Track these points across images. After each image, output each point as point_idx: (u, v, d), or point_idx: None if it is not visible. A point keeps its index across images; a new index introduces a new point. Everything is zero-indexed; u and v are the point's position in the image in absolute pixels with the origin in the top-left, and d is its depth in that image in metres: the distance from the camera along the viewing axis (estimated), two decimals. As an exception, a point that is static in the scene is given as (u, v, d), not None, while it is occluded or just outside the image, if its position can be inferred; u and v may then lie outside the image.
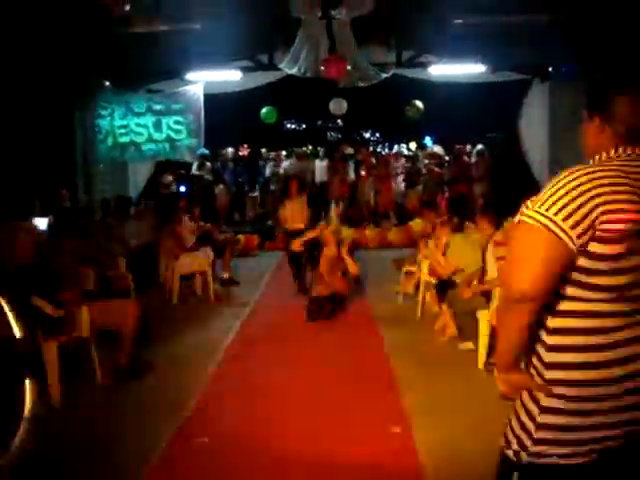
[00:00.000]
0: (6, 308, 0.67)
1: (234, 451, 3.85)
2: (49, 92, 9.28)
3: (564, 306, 1.72)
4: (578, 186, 1.61)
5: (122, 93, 11.06)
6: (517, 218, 1.72)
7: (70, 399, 4.70)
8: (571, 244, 1.60)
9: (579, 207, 1.59)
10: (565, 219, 1.59)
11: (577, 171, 1.66)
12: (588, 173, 1.64)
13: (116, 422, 4.31)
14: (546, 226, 1.61)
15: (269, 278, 9.52)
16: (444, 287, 6.09)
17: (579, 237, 1.60)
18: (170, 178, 13.69)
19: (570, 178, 1.64)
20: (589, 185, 1.61)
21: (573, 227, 1.59)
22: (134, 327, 5.15)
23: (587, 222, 1.59)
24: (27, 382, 0.69)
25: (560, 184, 1.64)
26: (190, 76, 10.94)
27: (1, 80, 8.08)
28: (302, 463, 3.69)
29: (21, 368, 0.70)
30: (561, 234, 1.60)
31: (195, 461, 3.75)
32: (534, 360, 1.80)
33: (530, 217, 1.65)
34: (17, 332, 0.69)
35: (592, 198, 1.59)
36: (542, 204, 1.64)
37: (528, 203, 1.69)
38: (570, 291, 1.70)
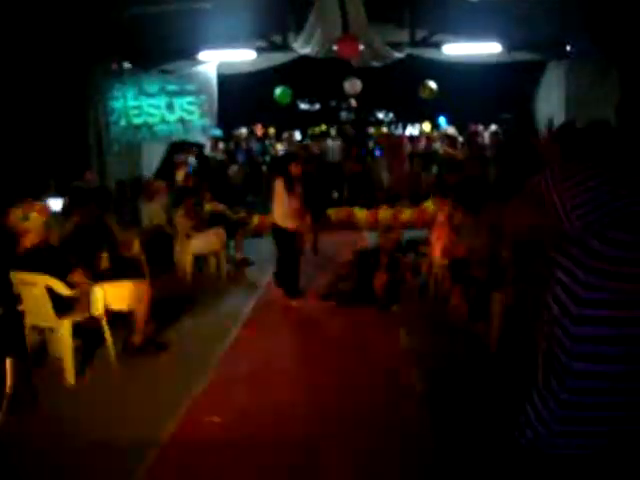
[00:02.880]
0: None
1: (244, 430, 3.88)
2: (63, 73, 9.28)
3: (592, 295, 1.69)
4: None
5: (135, 74, 11.04)
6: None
7: (84, 378, 4.77)
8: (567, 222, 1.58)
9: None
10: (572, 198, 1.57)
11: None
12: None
13: (129, 401, 4.36)
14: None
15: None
16: (457, 268, 6.07)
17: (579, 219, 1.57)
18: (183, 157, 13.64)
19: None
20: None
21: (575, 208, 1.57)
22: (147, 307, 5.20)
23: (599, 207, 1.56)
24: (10, 360, 0.69)
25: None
26: (203, 56, 10.89)
27: (15, 63, 8.09)
28: (311, 442, 3.72)
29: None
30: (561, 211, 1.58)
31: (206, 440, 3.78)
32: (555, 348, 1.77)
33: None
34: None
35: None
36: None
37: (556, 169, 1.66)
38: (596, 281, 1.67)
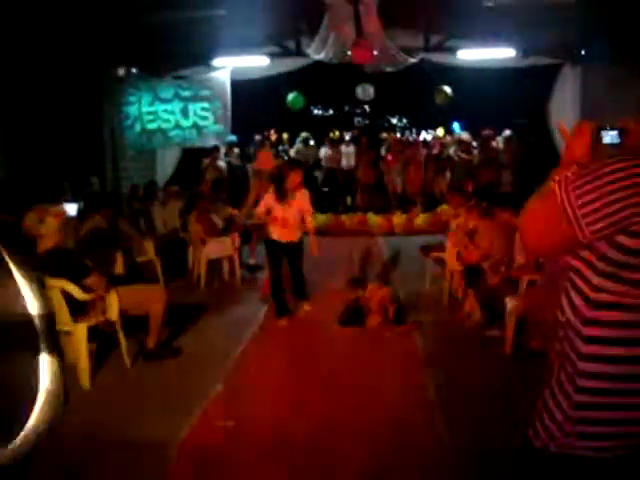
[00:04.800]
0: (25, 283, 0.68)
1: (258, 436, 3.88)
2: (78, 79, 9.36)
3: (601, 297, 1.68)
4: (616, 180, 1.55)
5: (150, 80, 11.11)
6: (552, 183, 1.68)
7: (99, 381, 4.80)
8: (579, 231, 1.57)
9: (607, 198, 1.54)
10: (583, 206, 1.55)
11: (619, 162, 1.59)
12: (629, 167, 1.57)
13: (143, 405, 4.37)
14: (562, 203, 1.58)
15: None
16: (471, 273, 6.05)
17: (590, 225, 1.55)
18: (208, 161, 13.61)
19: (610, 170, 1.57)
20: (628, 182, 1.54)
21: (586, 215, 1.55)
22: (162, 312, 5.22)
23: (613, 215, 1.54)
24: (47, 359, 0.70)
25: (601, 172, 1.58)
26: (217, 62, 10.94)
27: (33, 69, 8.18)
28: (326, 447, 3.71)
29: (40, 345, 0.71)
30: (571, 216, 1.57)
31: (219, 444, 3.78)
32: (568, 349, 1.76)
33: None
34: (37, 308, 0.69)
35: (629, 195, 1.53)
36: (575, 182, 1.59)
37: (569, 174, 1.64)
38: (606, 284, 1.66)
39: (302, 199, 6.36)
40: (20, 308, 0.77)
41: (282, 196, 6.21)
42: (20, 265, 0.78)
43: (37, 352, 0.80)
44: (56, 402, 0.80)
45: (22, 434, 0.78)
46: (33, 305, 0.79)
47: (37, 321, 0.79)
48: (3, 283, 0.76)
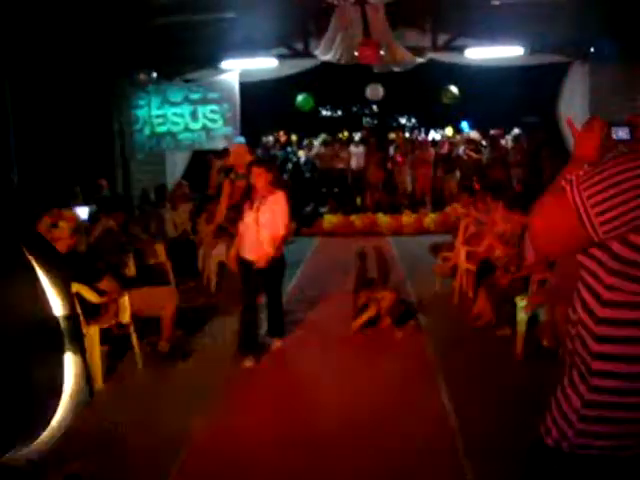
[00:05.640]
0: (50, 284, 0.70)
1: (265, 436, 3.90)
2: (88, 83, 9.43)
3: (613, 296, 1.68)
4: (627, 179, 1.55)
5: (159, 83, 11.17)
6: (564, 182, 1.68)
7: (112, 383, 4.84)
8: (591, 230, 1.57)
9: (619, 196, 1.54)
10: (595, 205, 1.55)
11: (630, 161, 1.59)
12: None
13: (156, 406, 4.40)
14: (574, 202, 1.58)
15: (306, 264, 9.55)
16: (483, 273, 6.05)
17: (603, 224, 1.56)
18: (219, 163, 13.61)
19: (622, 168, 1.58)
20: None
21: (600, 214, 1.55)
22: (173, 314, 5.25)
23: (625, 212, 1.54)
24: (72, 359, 0.72)
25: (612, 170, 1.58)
26: (226, 65, 10.99)
27: (42, 75, 8.24)
28: (335, 447, 3.72)
29: (64, 345, 0.72)
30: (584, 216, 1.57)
31: (228, 444, 3.81)
32: (580, 348, 1.76)
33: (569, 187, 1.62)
34: (62, 309, 0.71)
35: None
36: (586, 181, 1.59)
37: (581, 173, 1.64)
38: (618, 283, 1.66)
39: (275, 204, 5.13)
40: (45, 308, 0.80)
41: (250, 202, 5.17)
42: (45, 266, 0.81)
43: (62, 352, 0.82)
44: (79, 402, 0.82)
45: (46, 433, 0.81)
46: (57, 306, 0.81)
47: (62, 322, 0.82)
48: (28, 284, 0.79)
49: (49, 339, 0.80)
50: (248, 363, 5.08)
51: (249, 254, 5.15)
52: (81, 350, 0.85)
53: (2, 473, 0.78)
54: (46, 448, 0.80)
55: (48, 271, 0.80)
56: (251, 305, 5.24)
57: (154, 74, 10.97)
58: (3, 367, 0.71)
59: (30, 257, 0.79)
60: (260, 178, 5.09)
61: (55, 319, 0.81)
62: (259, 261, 5.06)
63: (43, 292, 0.79)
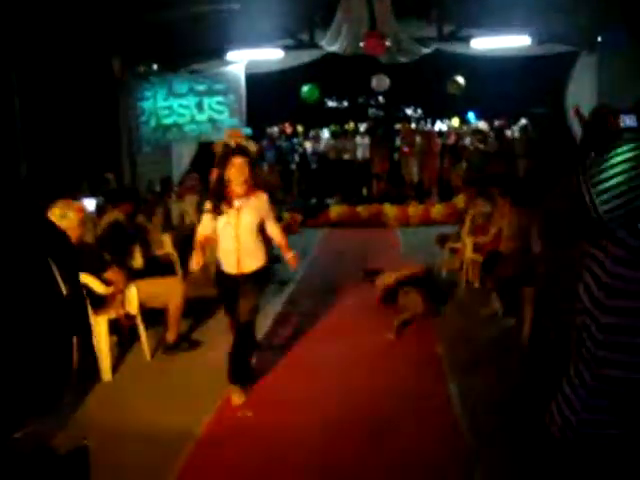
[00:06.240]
0: (57, 269, 0.71)
1: (277, 426, 3.93)
2: (94, 75, 9.43)
3: (619, 285, 1.68)
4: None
5: (165, 74, 11.16)
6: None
7: (119, 373, 4.87)
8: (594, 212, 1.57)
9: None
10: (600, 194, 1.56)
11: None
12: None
13: (164, 396, 4.43)
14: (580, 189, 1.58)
15: (312, 256, 9.56)
16: (490, 264, 6.05)
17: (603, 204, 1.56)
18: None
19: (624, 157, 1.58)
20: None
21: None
22: (180, 304, 5.27)
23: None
24: (79, 340, 0.74)
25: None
26: (232, 56, 10.96)
27: (48, 66, 8.25)
28: (340, 438, 3.75)
29: (72, 326, 0.74)
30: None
31: (239, 435, 3.83)
32: (585, 337, 1.77)
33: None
34: (68, 293, 0.72)
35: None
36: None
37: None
38: (624, 271, 1.66)
39: (258, 203, 4.36)
40: (56, 291, 0.82)
41: (221, 202, 4.28)
42: (54, 252, 0.83)
43: (71, 333, 0.84)
44: (85, 380, 0.85)
45: (63, 407, 0.83)
46: (65, 289, 0.83)
47: (69, 304, 0.84)
48: (41, 269, 0.81)
49: (59, 320, 0.81)
50: (237, 399, 4.26)
51: (230, 266, 4.37)
52: (87, 332, 0.87)
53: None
54: (65, 422, 0.82)
55: (57, 256, 0.81)
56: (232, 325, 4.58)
57: (154, 66, 10.95)
58: (17, 346, 0.73)
59: (42, 243, 0.80)
60: (243, 171, 4.21)
61: (66, 300, 0.82)
62: (243, 272, 4.33)
63: (54, 275, 0.81)
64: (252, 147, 5.05)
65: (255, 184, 4.39)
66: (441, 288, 6.45)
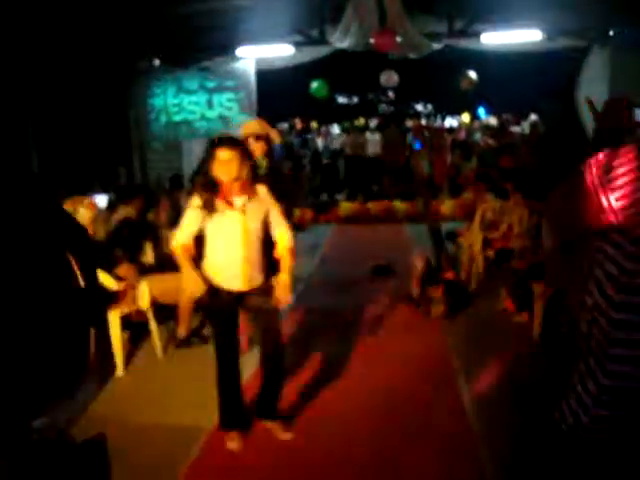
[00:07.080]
0: (78, 267, 0.72)
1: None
2: (104, 72, 9.47)
3: (631, 282, 1.68)
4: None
5: (175, 71, 11.18)
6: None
7: (132, 368, 4.90)
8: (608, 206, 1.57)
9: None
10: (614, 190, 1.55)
11: None
12: None
13: (176, 391, 4.46)
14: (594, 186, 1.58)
15: (323, 251, 9.56)
16: (499, 259, 6.04)
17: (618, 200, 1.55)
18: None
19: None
20: None
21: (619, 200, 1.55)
22: (191, 300, 5.29)
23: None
24: (95, 331, 0.75)
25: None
26: (241, 52, 10.96)
27: (58, 63, 8.30)
28: (352, 430, 3.76)
29: (86, 318, 0.74)
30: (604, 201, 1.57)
31: (251, 429, 3.84)
32: (596, 333, 1.76)
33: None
34: (87, 288, 0.73)
35: None
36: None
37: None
38: (637, 267, 1.66)
39: (263, 202, 3.54)
40: (74, 284, 0.83)
41: (214, 197, 3.39)
42: (73, 246, 0.84)
43: (89, 324, 0.85)
44: (101, 368, 0.86)
45: (80, 394, 0.85)
46: (83, 282, 0.85)
47: (86, 297, 0.85)
48: (60, 262, 0.82)
49: (78, 313, 0.83)
50: (233, 444, 3.62)
51: (232, 282, 3.47)
52: (103, 323, 0.89)
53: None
54: (83, 407, 0.83)
55: (78, 254, 0.83)
56: (231, 359, 3.63)
57: (156, 61, 10.97)
58: (37, 336, 0.74)
59: (61, 237, 0.82)
60: (230, 168, 3.34)
61: (84, 293, 0.84)
62: (247, 290, 3.49)
63: (73, 268, 0.82)
64: (275, 136, 4.61)
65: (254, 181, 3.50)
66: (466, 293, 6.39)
